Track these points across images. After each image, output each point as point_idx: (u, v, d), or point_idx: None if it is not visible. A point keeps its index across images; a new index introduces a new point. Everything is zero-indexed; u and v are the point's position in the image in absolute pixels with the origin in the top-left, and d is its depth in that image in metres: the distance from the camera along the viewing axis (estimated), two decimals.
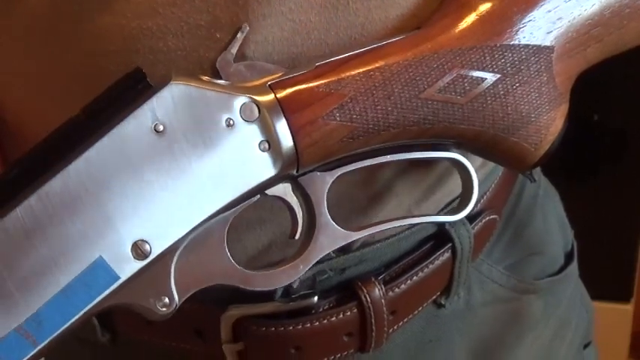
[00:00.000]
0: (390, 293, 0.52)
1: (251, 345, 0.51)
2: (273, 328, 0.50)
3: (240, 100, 0.40)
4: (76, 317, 0.38)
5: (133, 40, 0.42)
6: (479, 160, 0.55)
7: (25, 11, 0.43)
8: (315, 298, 0.49)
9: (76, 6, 0.42)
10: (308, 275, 0.50)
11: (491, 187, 0.58)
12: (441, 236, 0.55)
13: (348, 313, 0.51)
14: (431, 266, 0.54)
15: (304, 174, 0.42)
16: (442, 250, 0.54)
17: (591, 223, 0.69)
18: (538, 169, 0.65)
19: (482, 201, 0.57)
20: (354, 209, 0.51)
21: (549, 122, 0.45)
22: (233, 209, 0.41)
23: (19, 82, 0.47)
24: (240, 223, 0.48)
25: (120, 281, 0.38)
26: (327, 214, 0.43)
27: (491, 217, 0.58)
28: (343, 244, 0.44)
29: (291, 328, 0.50)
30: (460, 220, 0.55)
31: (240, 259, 0.48)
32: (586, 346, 0.70)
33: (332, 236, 0.43)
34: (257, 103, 0.40)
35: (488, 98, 0.44)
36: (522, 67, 0.44)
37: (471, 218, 0.56)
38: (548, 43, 0.45)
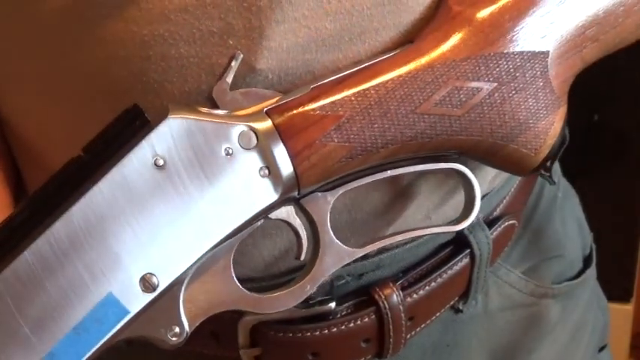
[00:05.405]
0: (408, 299, 0.52)
1: (268, 350, 0.51)
2: (291, 334, 0.50)
3: (238, 129, 0.40)
4: (90, 353, 0.39)
5: (144, 47, 0.42)
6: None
7: (38, 17, 0.43)
8: (333, 304, 0.49)
9: (87, 12, 0.42)
10: (326, 280, 0.50)
11: (510, 192, 0.57)
12: (459, 242, 0.54)
13: (366, 319, 0.51)
14: (449, 272, 0.53)
15: (306, 195, 0.43)
16: (461, 256, 0.54)
17: (591, 223, 0.69)
18: (558, 171, 0.65)
19: (501, 206, 0.57)
20: (373, 213, 0.50)
21: (548, 127, 0.45)
22: (238, 235, 0.42)
23: (34, 90, 0.47)
24: (256, 230, 0.49)
25: (130, 315, 0.39)
26: (331, 233, 0.44)
27: (510, 222, 0.57)
28: (349, 261, 0.44)
29: (308, 334, 0.50)
30: (479, 226, 0.55)
31: (257, 265, 0.49)
32: (601, 349, 0.69)
33: (337, 255, 0.44)
34: (254, 131, 0.41)
35: (485, 108, 0.44)
36: (518, 75, 0.44)
37: (489, 223, 0.56)
38: (542, 48, 0.45)
